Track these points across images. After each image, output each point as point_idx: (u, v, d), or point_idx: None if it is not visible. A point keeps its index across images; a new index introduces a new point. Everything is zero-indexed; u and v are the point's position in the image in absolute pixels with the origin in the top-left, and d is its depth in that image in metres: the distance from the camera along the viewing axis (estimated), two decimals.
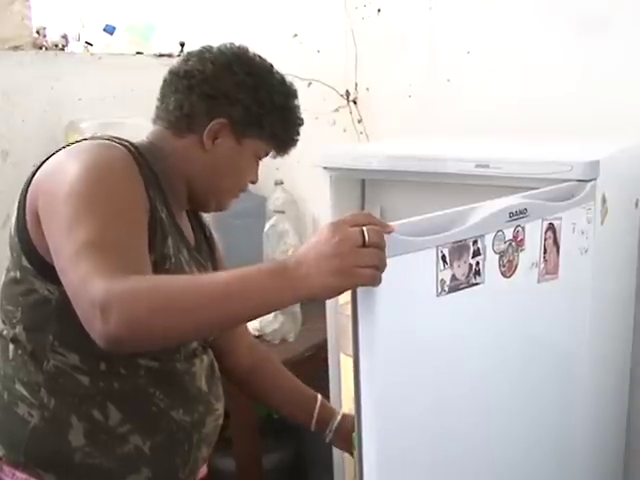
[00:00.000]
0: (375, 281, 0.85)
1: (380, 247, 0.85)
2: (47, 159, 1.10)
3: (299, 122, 1.25)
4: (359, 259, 0.83)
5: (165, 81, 1.20)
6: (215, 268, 1.32)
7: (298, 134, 1.26)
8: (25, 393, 1.11)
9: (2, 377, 1.16)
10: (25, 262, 1.09)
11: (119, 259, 0.92)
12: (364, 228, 0.84)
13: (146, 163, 1.12)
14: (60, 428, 1.10)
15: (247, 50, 1.21)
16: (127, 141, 1.15)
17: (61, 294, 1.01)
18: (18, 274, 1.11)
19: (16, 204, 1.11)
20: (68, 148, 1.11)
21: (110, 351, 0.91)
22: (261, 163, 2.38)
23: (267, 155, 1.27)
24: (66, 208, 0.97)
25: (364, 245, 0.83)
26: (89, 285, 0.89)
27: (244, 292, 0.87)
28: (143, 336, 0.89)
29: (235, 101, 1.16)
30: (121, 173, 1.05)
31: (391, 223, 0.91)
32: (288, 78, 1.24)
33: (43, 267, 1.06)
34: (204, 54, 1.18)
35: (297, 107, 1.25)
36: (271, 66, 1.22)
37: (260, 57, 1.22)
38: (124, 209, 1.01)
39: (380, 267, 0.85)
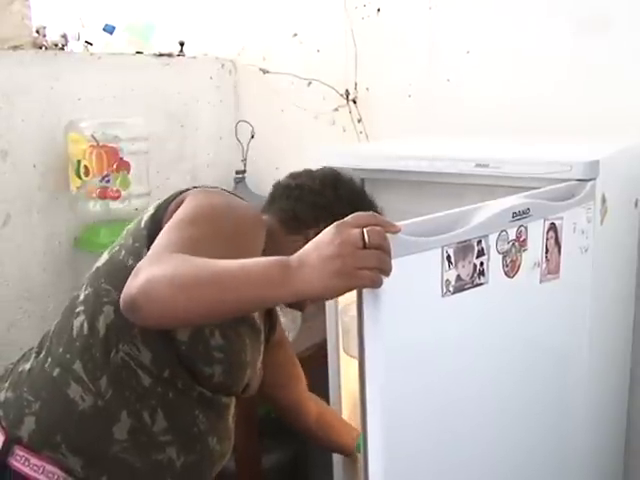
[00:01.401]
0: (375, 283, 0.86)
1: (381, 248, 0.85)
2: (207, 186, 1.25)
3: None
4: (359, 261, 0.84)
5: (277, 189, 1.37)
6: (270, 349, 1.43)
7: None
8: (83, 376, 1.15)
9: (59, 354, 1.18)
10: (145, 254, 1.11)
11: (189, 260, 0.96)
12: (365, 230, 0.85)
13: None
14: (108, 419, 1.14)
15: (340, 172, 1.39)
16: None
17: None
18: (131, 261, 1.15)
19: (159, 202, 1.21)
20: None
21: (128, 316, 0.96)
22: (260, 162, 2.41)
23: None
24: (188, 213, 1.10)
25: (365, 247, 0.84)
26: (139, 271, 0.96)
27: (246, 283, 0.89)
28: (154, 304, 0.93)
29: (338, 213, 1.22)
30: (251, 228, 1.17)
31: (397, 223, 0.91)
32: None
33: None
34: (312, 173, 1.38)
35: None
36: (362, 186, 1.42)
37: (352, 178, 1.40)
38: (234, 247, 1.07)
39: (382, 268, 0.85)
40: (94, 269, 1.23)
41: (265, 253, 1.17)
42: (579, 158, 1.31)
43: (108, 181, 1.91)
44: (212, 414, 1.22)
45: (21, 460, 1.13)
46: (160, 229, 1.11)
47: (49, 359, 1.19)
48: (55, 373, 1.17)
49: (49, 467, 1.12)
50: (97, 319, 1.16)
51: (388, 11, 2.05)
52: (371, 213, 0.89)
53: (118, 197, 1.93)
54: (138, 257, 1.12)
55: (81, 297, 1.21)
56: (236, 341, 1.21)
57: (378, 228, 0.86)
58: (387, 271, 0.86)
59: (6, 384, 1.22)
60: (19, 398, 1.17)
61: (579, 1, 1.77)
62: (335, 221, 1.22)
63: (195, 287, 0.91)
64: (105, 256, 1.23)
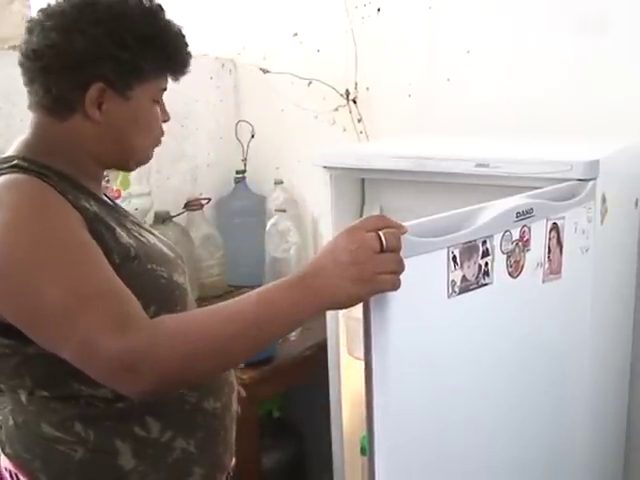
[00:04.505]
0: (395, 286, 0.86)
1: (397, 251, 0.85)
2: None
3: (178, 35, 1.10)
4: (378, 266, 0.83)
5: (22, 66, 1.08)
6: None
7: (186, 45, 1.12)
8: (58, 434, 1.04)
9: (22, 424, 1.08)
10: None
11: (104, 303, 0.87)
12: (381, 233, 0.84)
13: (50, 170, 1.02)
14: (108, 456, 1.05)
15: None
16: (21, 157, 1.04)
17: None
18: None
19: None
20: None
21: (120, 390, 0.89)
22: (260, 162, 2.40)
23: (165, 89, 1.15)
24: (18, 281, 0.89)
25: (382, 250, 0.83)
26: (97, 346, 0.84)
27: (272, 316, 0.86)
28: (181, 382, 0.91)
29: (100, 59, 1.03)
30: (40, 210, 0.94)
31: (403, 224, 0.91)
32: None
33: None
34: (44, 23, 1.03)
35: (167, 22, 1.08)
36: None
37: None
38: (69, 246, 0.92)
39: (399, 271, 0.85)
40: None
41: (67, 171, 1.04)
42: (579, 158, 1.31)
43: (108, 181, 1.90)
44: None
45: None
46: None
47: (22, 419, 1.08)
48: (33, 432, 1.06)
49: None
50: (33, 393, 1.05)
51: (388, 11, 2.05)
52: (381, 215, 0.89)
53: (118, 197, 1.92)
54: None
55: None
56: None
57: (393, 230, 0.85)
58: (402, 273, 0.86)
59: (3, 437, 1.12)
60: (19, 457, 1.08)
61: (579, 1, 1.77)
62: (104, 75, 1.03)
63: (223, 352, 0.87)
64: None
